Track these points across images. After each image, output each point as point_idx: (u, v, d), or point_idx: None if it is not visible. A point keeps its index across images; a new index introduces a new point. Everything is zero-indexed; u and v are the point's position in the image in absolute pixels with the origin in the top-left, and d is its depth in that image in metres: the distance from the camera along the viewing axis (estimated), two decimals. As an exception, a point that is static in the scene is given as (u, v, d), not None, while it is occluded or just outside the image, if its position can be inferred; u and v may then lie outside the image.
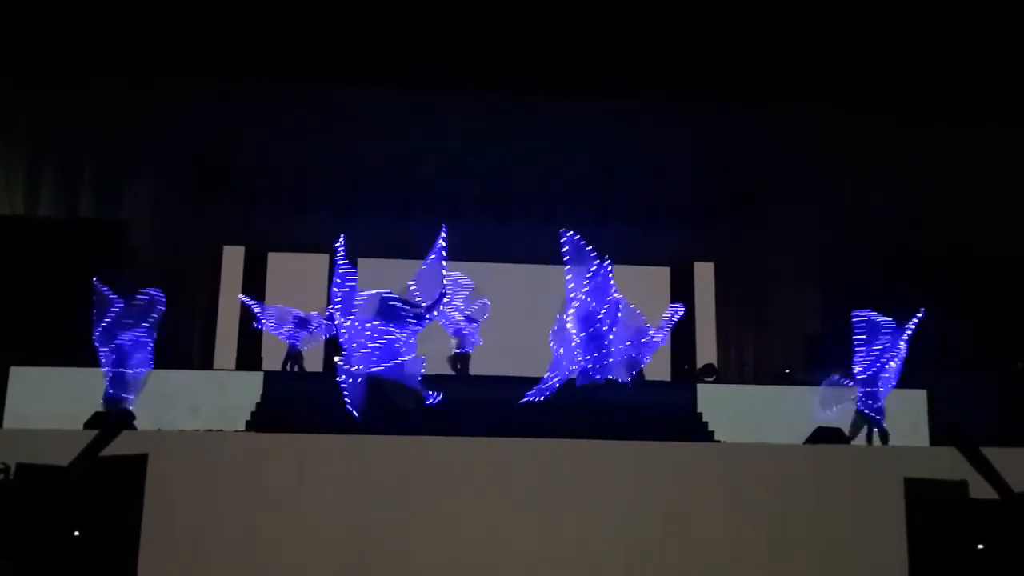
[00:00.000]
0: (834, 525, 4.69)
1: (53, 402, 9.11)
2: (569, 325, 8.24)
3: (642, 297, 14.14)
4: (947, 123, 13.25)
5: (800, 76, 12.15)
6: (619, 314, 8.37)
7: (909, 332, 8.37)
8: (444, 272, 7.91)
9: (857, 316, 8.48)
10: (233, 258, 14.11)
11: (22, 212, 12.66)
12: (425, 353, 7.91)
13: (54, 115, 12.81)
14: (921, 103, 12.69)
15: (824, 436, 7.37)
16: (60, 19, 11.13)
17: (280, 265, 13.50)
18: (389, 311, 7.41)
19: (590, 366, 8.20)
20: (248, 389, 10.69)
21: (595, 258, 8.22)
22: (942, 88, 12.29)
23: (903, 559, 4.51)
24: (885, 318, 8.40)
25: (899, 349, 8.50)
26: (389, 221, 14.25)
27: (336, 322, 7.86)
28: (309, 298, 12.35)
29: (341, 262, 7.63)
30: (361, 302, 7.60)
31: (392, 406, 7.38)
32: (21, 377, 10.20)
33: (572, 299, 8.20)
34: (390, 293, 7.56)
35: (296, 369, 11.52)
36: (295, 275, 13.32)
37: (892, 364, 8.50)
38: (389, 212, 14.26)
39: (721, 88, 12.55)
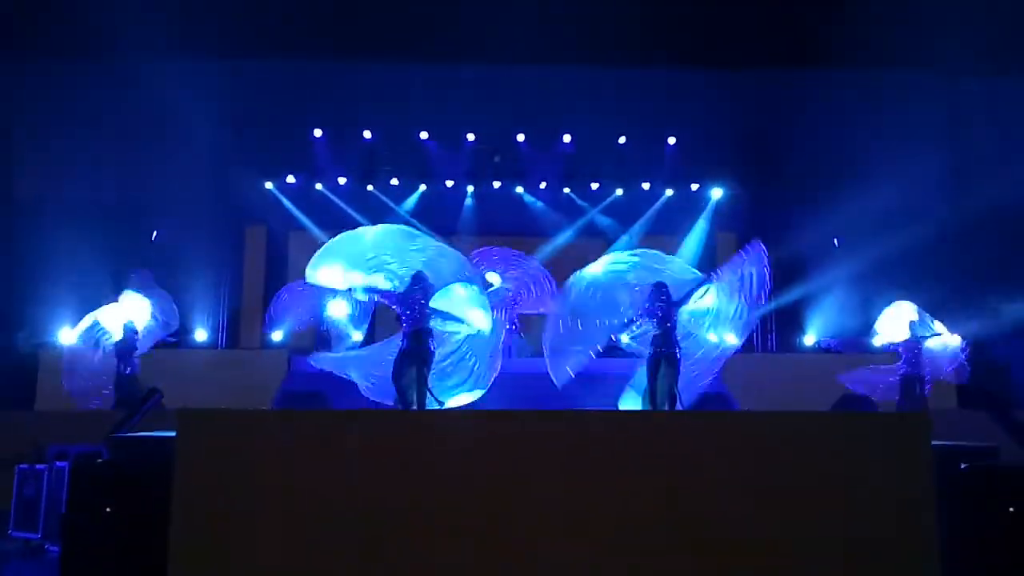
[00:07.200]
0: (861, 492, 4.64)
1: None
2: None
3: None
4: (994, 83, 12.91)
5: (839, 39, 11.84)
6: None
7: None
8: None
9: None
10: (256, 238, 14.27)
11: (48, 194, 12.78)
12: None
13: (77, 97, 12.85)
14: (962, 64, 12.35)
15: (850, 402, 7.32)
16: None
17: (301, 243, 13.57)
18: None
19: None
20: (273, 368, 10.83)
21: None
22: (984, 48, 11.93)
23: (933, 524, 4.49)
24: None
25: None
26: (409, 194, 14.37)
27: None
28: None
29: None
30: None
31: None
32: (50, 359, 10.36)
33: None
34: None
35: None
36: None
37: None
38: (410, 186, 14.38)
39: (758, 54, 12.29)
